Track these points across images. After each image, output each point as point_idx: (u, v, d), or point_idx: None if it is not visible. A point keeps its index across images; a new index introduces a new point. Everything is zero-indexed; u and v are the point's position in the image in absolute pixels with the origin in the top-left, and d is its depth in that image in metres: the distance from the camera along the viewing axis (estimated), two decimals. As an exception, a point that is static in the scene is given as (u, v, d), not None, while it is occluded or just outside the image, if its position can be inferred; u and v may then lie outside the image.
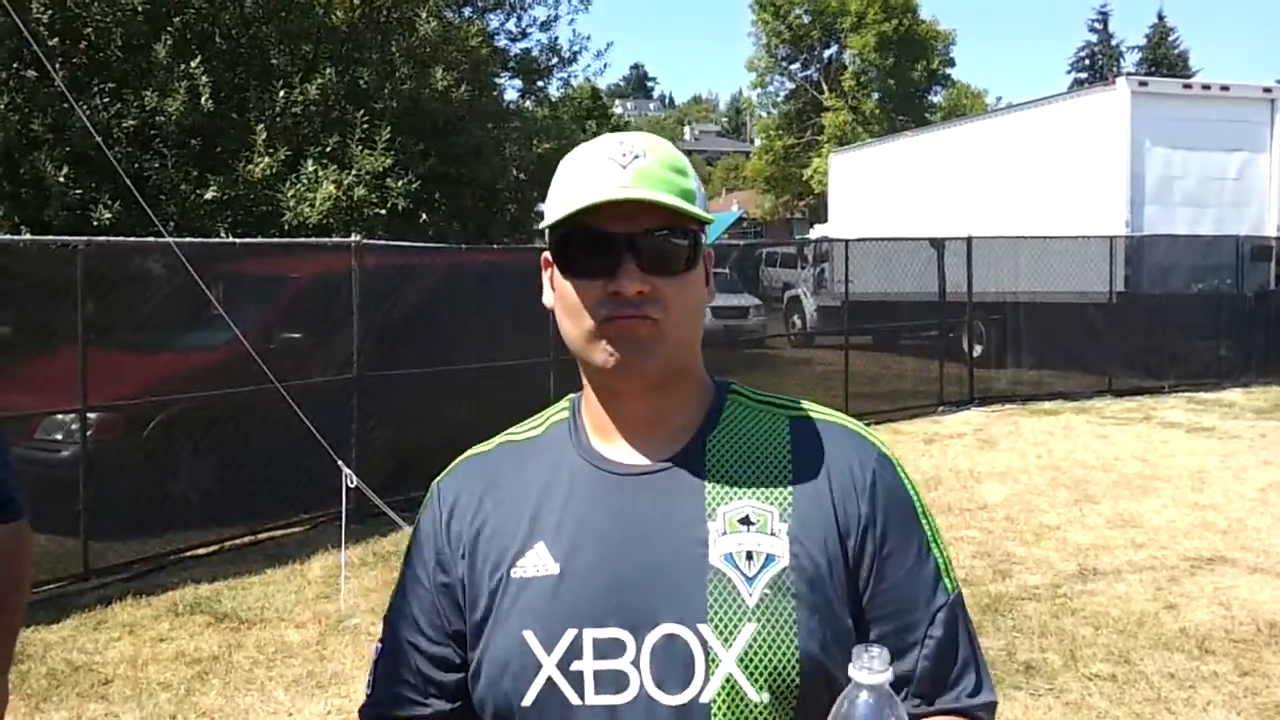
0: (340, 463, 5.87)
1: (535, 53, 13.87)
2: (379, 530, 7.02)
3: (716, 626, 1.06)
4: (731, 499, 1.12)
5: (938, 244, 12.97)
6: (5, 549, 1.98)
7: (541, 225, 1.14)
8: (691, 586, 1.07)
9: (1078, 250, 13.60)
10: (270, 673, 4.96)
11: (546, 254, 1.16)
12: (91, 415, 6.40)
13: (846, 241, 14.47)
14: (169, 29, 9.72)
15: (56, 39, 9.19)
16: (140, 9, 9.46)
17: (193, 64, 9.51)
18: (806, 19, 45.26)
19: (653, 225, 1.09)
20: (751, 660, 1.05)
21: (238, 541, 6.97)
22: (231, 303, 6.68)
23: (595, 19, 62.92)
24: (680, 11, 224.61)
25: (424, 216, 11.98)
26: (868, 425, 1.23)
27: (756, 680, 1.05)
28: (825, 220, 23.53)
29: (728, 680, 1.05)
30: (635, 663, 1.06)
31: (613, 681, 1.06)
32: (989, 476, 8.94)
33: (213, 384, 7.01)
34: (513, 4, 13.53)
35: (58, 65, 7.51)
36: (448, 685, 1.18)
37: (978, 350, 13.77)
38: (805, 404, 1.22)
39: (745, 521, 1.10)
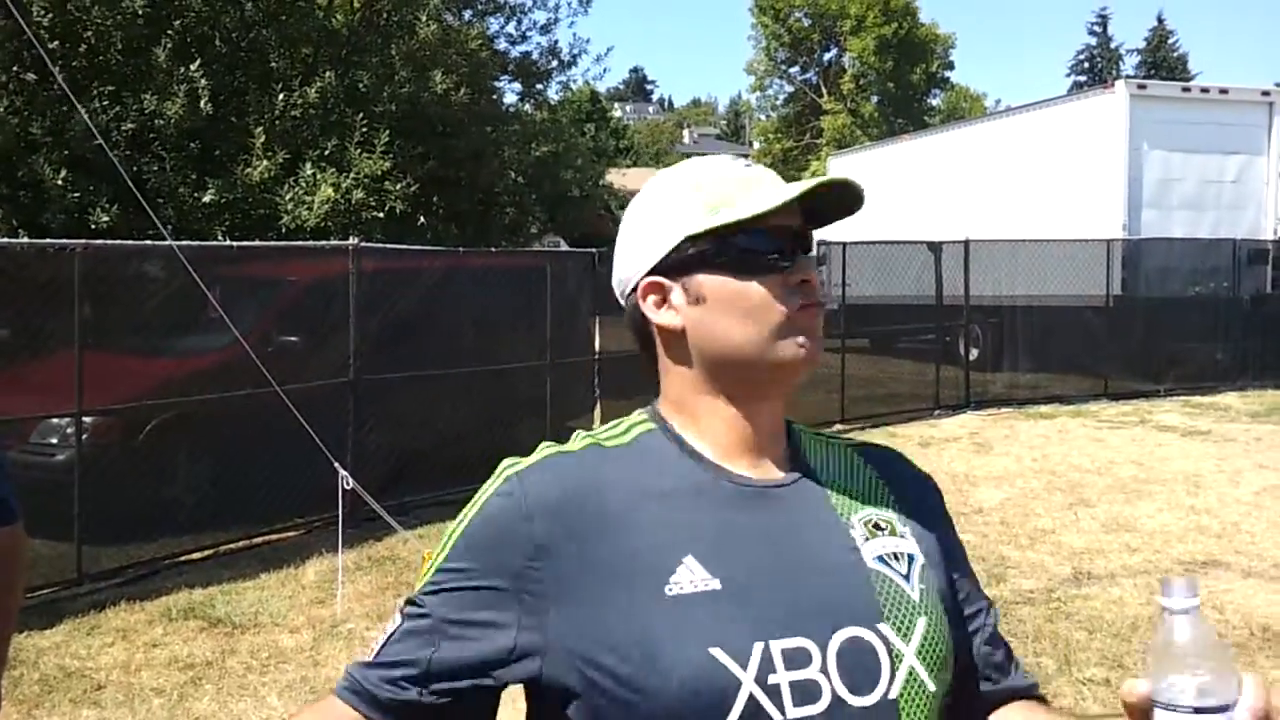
0: (337, 464, 5.87)
1: (535, 56, 13.88)
2: (374, 535, 7.03)
3: (894, 624, 1.09)
4: (855, 509, 1.17)
5: (935, 247, 12.98)
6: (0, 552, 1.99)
7: (699, 229, 1.12)
8: (859, 589, 1.10)
9: (1075, 253, 13.61)
10: (264, 678, 4.97)
11: (655, 278, 1.15)
12: (87, 419, 6.40)
13: (844, 244, 14.47)
14: (169, 32, 9.72)
15: (56, 42, 9.19)
16: (140, 12, 9.46)
17: (192, 67, 9.50)
18: (806, 22, 45.34)
19: (798, 223, 1.15)
20: (927, 652, 1.09)
21: (232, 546, 6.96)
22: (229, 306, 6.68)
23: (594, 22, 63.05)
24: (680, 14, 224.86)
25: (422, 220, 11.97)
26: (863, 429, 1.29)
27: (932, 670, 1.09)
28: (824, 223, 23.49)
29: (911, 674, 1.07)
30: (824, 670, 1.04)
31: (807, 691, 1.04)
32: (984, 480, 8.95)
33: (209, 388, 7.01)
34: (512, 8, 13.53)
35: (58, 68, 7.51)
36: (443, 689, 1.09)
37: (974, 354, 13.79)
38: (847, 434, 1.32)
39: (877, 527, 1.16)
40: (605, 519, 1.08)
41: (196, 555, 6.77)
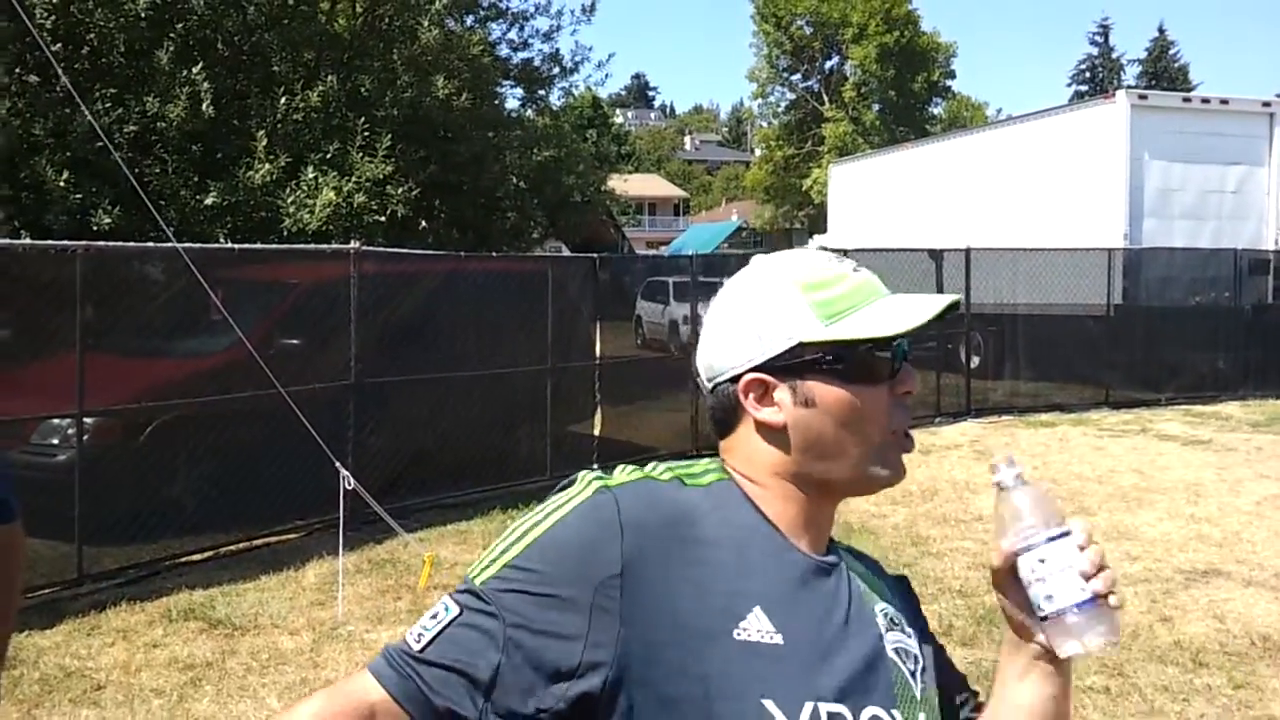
0: (338, 464, 5.86)
1: (537, 62, 13.90)
2: (374, 538, 7.02)
3: (904, 712, 1.11)
4: (875, 600, 1.20)
5: (936, 255, 12.99)
6: None
7: (817, 338, 1.14)
8: (884, 673, 1.12)
9: (1076, 262, 13.63)
10: (263, 680, 4.96)
11: (759, 375, 1.16)
12: (88, 420, 6.40)
13: (844, 251, 14.49)
14: (171, 35, 9.73)
15: (59, 44, 9.20)
16: (143, 15, 9.47)
17: (195, 70, 9.51)
18: (808, 30, 45.44)
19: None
20: None
21: (233, 547, 6.95)
22: (230, 309, 6.68)
23: (597, 27, 63.05)
24: (682, 21, 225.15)
25: (423, 224, 11.99)
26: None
27: None
28: (824, 231, 23.55)
29: None
30: None
31: None
32: (985, 488, 8.92)
33: (210, 389, 7.01)
34: (515, 14, 13.56)
35: (60, 73, 7.53)
36: (506, 709, 1.05)
37: (975, 361, 13.78)
38: None
39: (893, 621, 1.19)
40: (688, 552, 1.08)
41: (197, 556, 6.76)
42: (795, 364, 1.14)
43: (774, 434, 1.16)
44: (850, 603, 1.15)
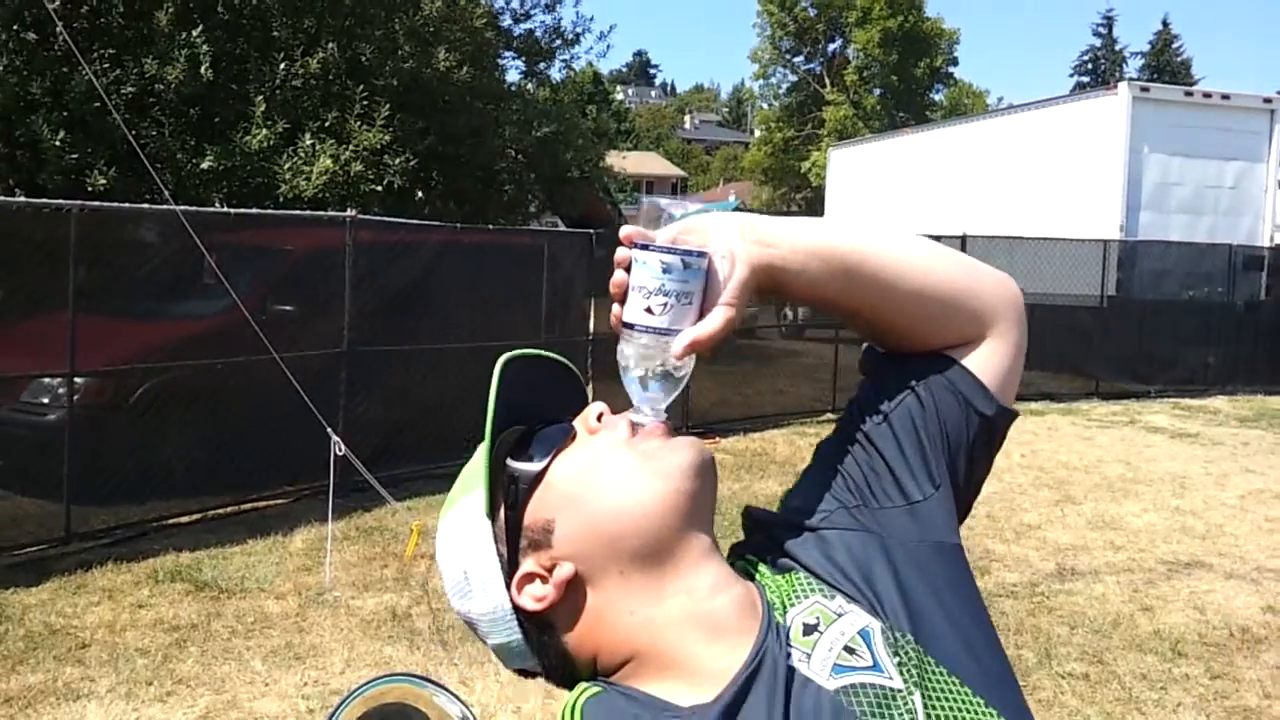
0: (329, 429, 5.85)
1: (538, 34, 13.85)
2: (362, 505, 7.03)
3: None
4: (795, 627, 0.92)
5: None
6: None
7: (485, 504, 0.96)
8: None
9: (1071, 253, 13.66)
10: (248, 643, 4.98)
11: (516, 575, 0.96)
12: (79, 380, 6.40)
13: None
14: (171, -4, 9.67)
15: (58, 2, 9.14)
16: (143, -25, 9.42)
17: (194, 33, 9.46)
18: (812, 12, 45.25)
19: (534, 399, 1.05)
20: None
21: (221, 511, 6.97)
22: (224, 273, 6.66)
23: (599, 4, 62.71)
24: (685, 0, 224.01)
25: (420, 195, 11.96)
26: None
27: None
28: (822, 214, 23.53)
29: None
30: None
31: None
32: (973, 475, 8.96)
33: (202, 353, 7.01)
34: (518, -15, 13.51)
35: (59, 29, 7.48)
36: None
37: (967, 348, 13.80)
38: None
39: (810, 629, 0.91)
40: None
41: (185, 519, 6.78)
42: (512, 532, 0.95)
43: (574, 595, 0.93)
44: (773, 698, 0.87)
